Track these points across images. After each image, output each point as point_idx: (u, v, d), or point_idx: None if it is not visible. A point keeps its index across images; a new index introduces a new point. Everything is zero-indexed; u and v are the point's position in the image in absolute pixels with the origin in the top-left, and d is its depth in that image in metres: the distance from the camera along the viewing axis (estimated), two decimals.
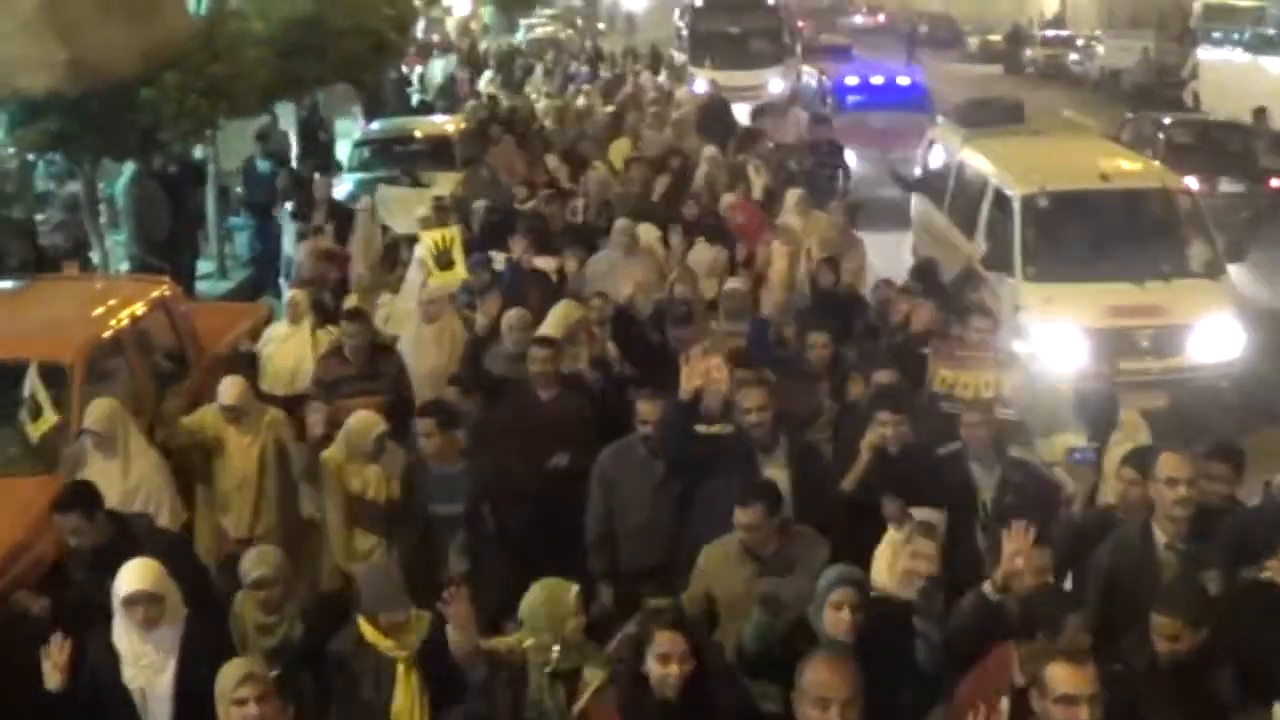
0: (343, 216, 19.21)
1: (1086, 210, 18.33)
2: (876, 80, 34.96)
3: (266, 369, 14.20)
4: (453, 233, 15.44)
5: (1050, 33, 68.33)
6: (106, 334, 13.14)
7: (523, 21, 69.44)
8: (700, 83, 40.02)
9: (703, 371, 10.63)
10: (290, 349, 14.27)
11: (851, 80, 35.00)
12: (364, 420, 11.14)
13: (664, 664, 7.48)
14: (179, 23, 18.35)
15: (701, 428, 10.80)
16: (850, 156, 26.63)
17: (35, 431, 11.39)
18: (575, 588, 8.19)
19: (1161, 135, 28.32)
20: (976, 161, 20.21)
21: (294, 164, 25.36)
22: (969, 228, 19.44)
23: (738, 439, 10.54)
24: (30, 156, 17.91)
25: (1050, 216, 17.91)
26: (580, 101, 33.71)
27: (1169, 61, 51.05)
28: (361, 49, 27.47)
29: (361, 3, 27.38)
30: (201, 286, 22.07)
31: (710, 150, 23.36)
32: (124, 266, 20.01)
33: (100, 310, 13.66)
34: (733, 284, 14.61)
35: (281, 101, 25.97)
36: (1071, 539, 9.32)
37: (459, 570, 10.09)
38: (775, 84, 43.77)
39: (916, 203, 23.22)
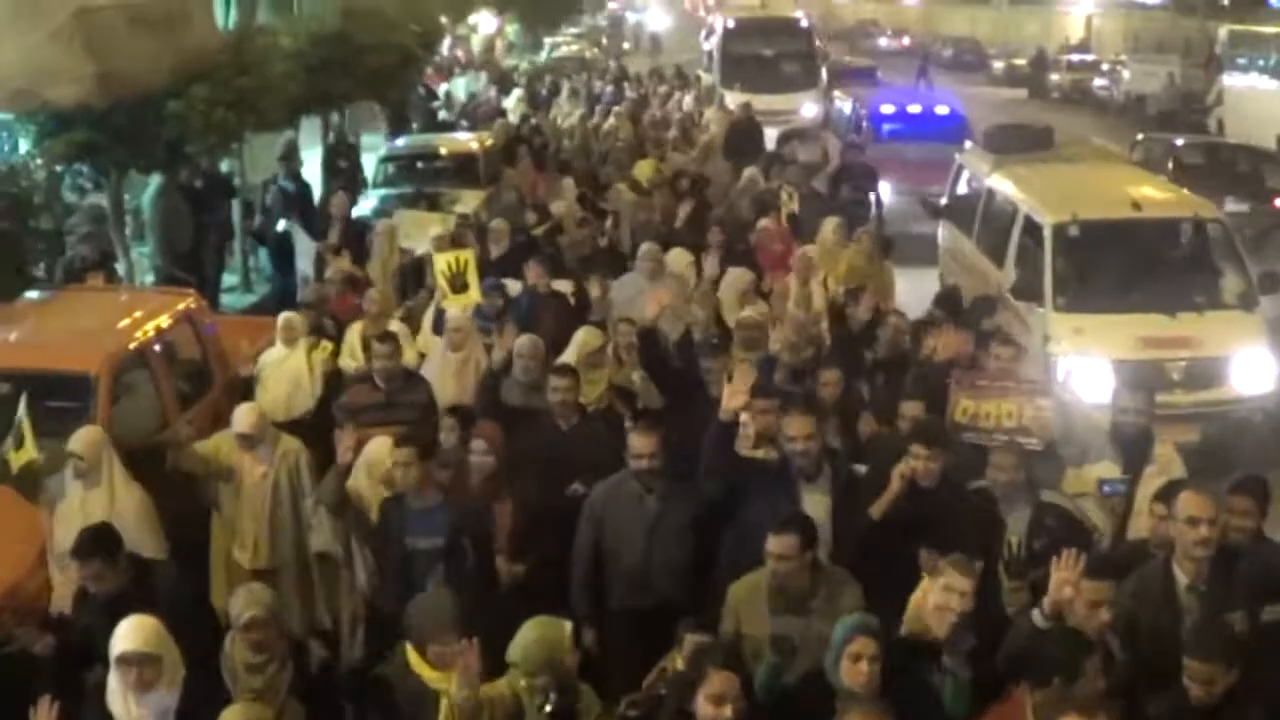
0: (358, 236, 19.29)
1: (1118, 239, 17.85)
2: (914, 109, 33.49)
3: (261, 394, 13.77)
4: (467, 255, 15.14)
5: (1075, 57, 68.25)
6: (132, 345, 13.15)
7: (548, 40, 69.59)
8: (730, 104, 38.85)
9: (746, 392, 10.30)
10: (285, 373, 14.01)
11: (887, 109, 33.25)
12: (382, 447, 10.83)
13: (717, 705, 7.35)
14: (207, 36, 18.42)
15: (744, 451, 10.47)
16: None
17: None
18: (568, 626, 8.22)
19: (1172, 156, 29.33)
20: (1006, 188, 19.72)
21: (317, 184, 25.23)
22: (998, 256, 18.95)
23: (780, 466, 10.22)
24: (57, 167, 17.93)
25: (1081, 246, 17.42)
26: (609, 122, 33.04)
27: (1194, 88, 51.06)
28: (387, 65, 27.50)
29: (388, 19, 27.43)
30: (226, 300, 22.11)
31: (750, 172, 23.30)
32: (149, 279, 20.07)
33: (126, 322, 13.71)
34: (747, 313, 14.33)
35: (308, 116, 25.99)
36: (1098, 574, 8.81)
37: None
38: (808, 108, 43.44)
39: (944, 229, 22.71)
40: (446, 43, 47.24)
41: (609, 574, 10.31)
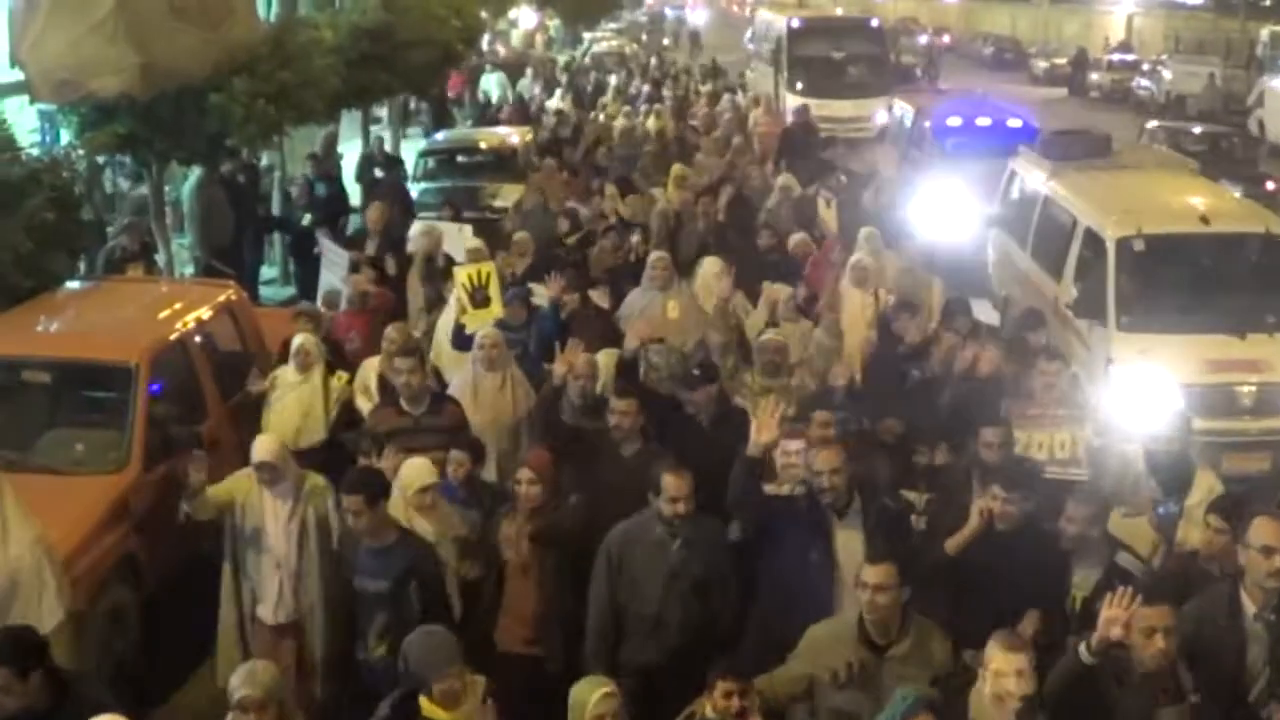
0: (396, 245, 18.46)
1: (1186, 255, 17.01)
2: (983, 122, 30.01)
3: (269, 419, 13.00)
4: (489, 268, 14.44)
5: (1116, 57, 67.98)
6: (172, 337, 13.25)
7: (587, 35, 69.54)
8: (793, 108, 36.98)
9: (776, 426, 9.71)
10: (298, 399, 13.09)
11: (953, 121, 29.86)
12: (414, 469, 10.26)
13: None
14: (249, 29, 18.43)
15: (770, 488, 10.22)
16: (947, 209, 23.66)
17: (474, 321, 13.57)
18: (607, 688, 7.83)
19: (1174, 142, 32.13)
20: (1064, 198, 18.77)
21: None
22: (1055, 268, 18.09)
23: (809, 501, 9.71)
24: (99, 159, 17.99)
25: (1147, 261, 16.51)
26: (651, 123, 31.93)
27: (1235, 88, 50.88)
28: (429, 60, 27.54)
29: (429, 14, 27.44)
30: (265, 292, 22.18)
31: (784, 180, 22.23)
32: (188, 270, 20.15)
33: (166, 313, 13.80)
34: (769, 336, 13.18)
35: (348, 110, 26.06)
36: (1156, 599, 8.24)
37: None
38: (880, 115, 38.62)
39: (995, 238, 21.64)
40: (486, 38, 47.06)
41: (624, 625, 9.60)
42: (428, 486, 10.14)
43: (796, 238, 18.29)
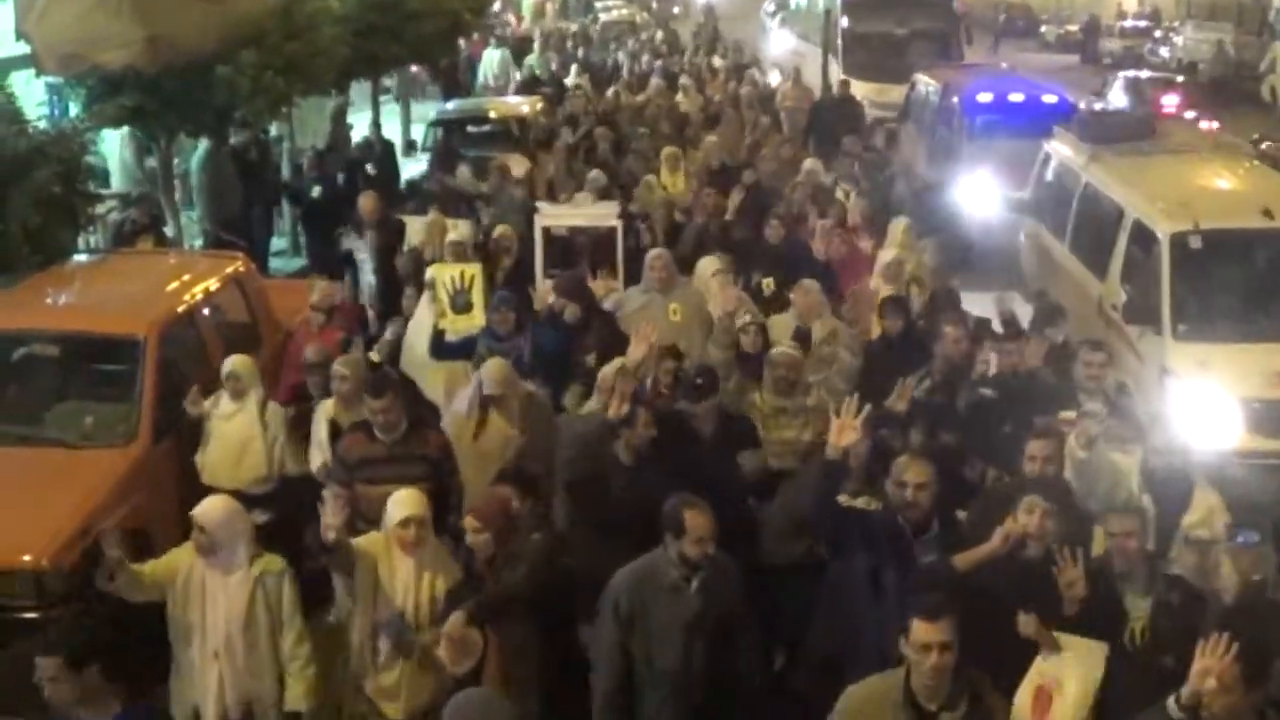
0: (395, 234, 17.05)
1: (1249, 254, 15.53)
2: (1016, 98, 27.31)
3: (206, 456, 11.82)
4: (473, 270, 13.31)
5: (1128, 23, 67.75)
6: (181, 309, 13.24)
7: (598, 4, 69.29)
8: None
9: (855, 427, 8.76)
10: (235, 433, 11.77)
11: (984, 97, 27.06)
12: (401, 498, 9.15)
13: None
14: (256, 1, 18.41)
15: (843, 498, 9.35)
16: (980, 192, 22.80)
17: (454, 325, 12.87)
18: None
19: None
20: (1107, 186, 17.16)
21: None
22: (1098, 265, 16.58)
23: (887, 518, 8.89)
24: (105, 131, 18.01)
25: (1205, 261, 15.01)
26: (681, 100, 30.04)
27: (1247, 55, 50.68)
28: (437, 30, 27.48)
29: None
30: (275, 263, 22.17)
31: (810, 163, 20.47)
32: (197, 243, 20.15)
33: (175, 285, 13.80)
34: (784, 350, 11.62)
35: (357, 82, 26.03)
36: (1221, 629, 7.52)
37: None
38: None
39: (1028, 226, 20.19)
40: (496, 6, 46.82)
41: (638, 684, 8.56)
42: (410, 519, 8.94)
43: (824, 225, 16.38)
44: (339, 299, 14.29)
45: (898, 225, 16.27)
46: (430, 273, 13.76)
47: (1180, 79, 45.17)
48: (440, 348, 13.05)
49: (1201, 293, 15.06)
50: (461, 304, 13.07)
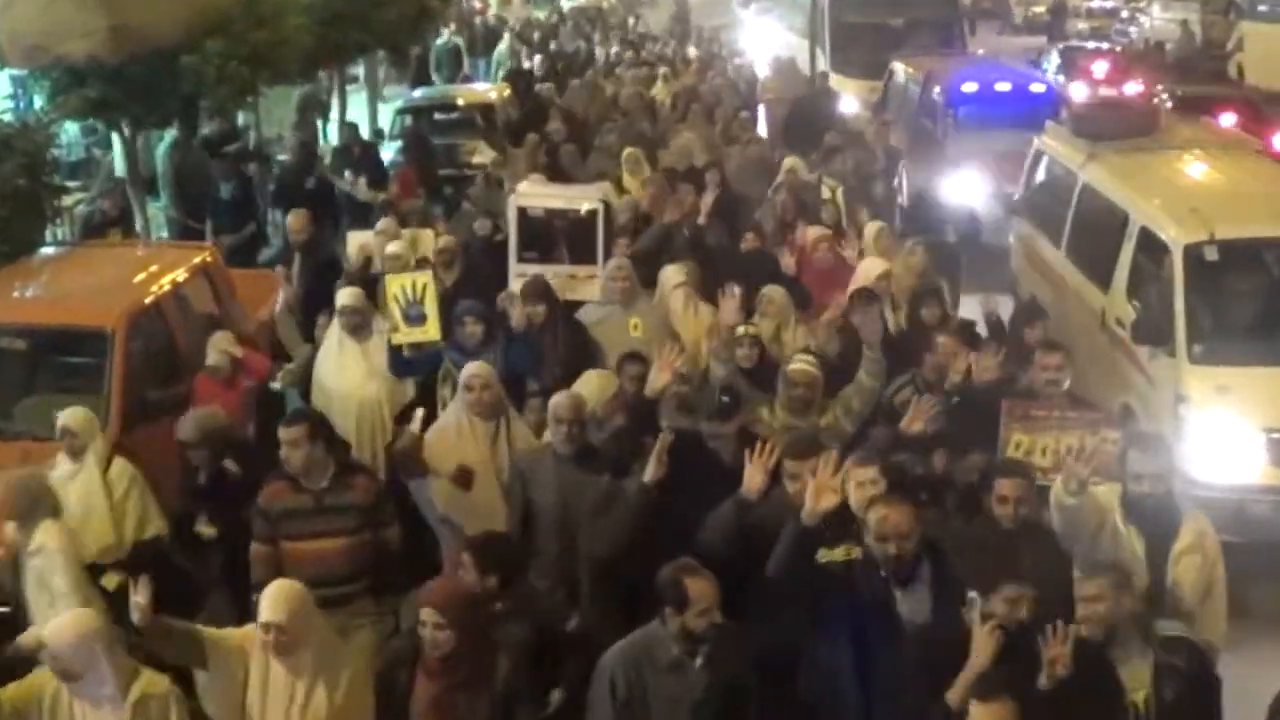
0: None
1: (1271, 267, 14.01)
2: (1002, 87, 25.73)
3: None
4: (425, 279, 12.19)
5: (1095, 4, 67.84)
6: (149, 300, 13.19)
7: None
8: (849, 99, 30.11)
9: (835, 488, 8.06)
10: (74, 495, 10.22)
11: (969, 87, 25.43)
12: (265, 599, 7.57)
13: None
14: None
15: (822, 552, 8.28)
16: (967, 189, 21.48)
17: (407, 338, 11.90)
18: None
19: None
20: (1109, 188, 15.63)
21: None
22: (1099, 275, 15.10)
23: (865, 568, 8.05)
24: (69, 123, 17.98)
25: (1223, 274, 13.56)
26: (659, 90, 28.76)
27: (1214, 34, 50.82)
28: (404, 17, 27.42)
29: None
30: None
31: (790, 162, 18.92)
32: (163, 234, 20.07)
33: (142, 276, 13.76)
34: (803, 366, 10.54)
35: (324, 70, 25.96)
36: None
37: None
38: None
39: (1019, 228, 18.69)
40: None
41: None
42: (271, 625, 7.46)
43: (813, 233, 15.24)
44: (241, 351, 12.60)
45: (872, 228, 15.20)
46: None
47: (1112, 48, 48.23)
48: (399, 364, 12.06)
49: (1219, 310, 13.58)
50: (415, 316, 12.02)
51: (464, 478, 9.98)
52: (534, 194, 15.26)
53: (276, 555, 9.10)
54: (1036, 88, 26.22)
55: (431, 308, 11.99)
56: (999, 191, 20.36)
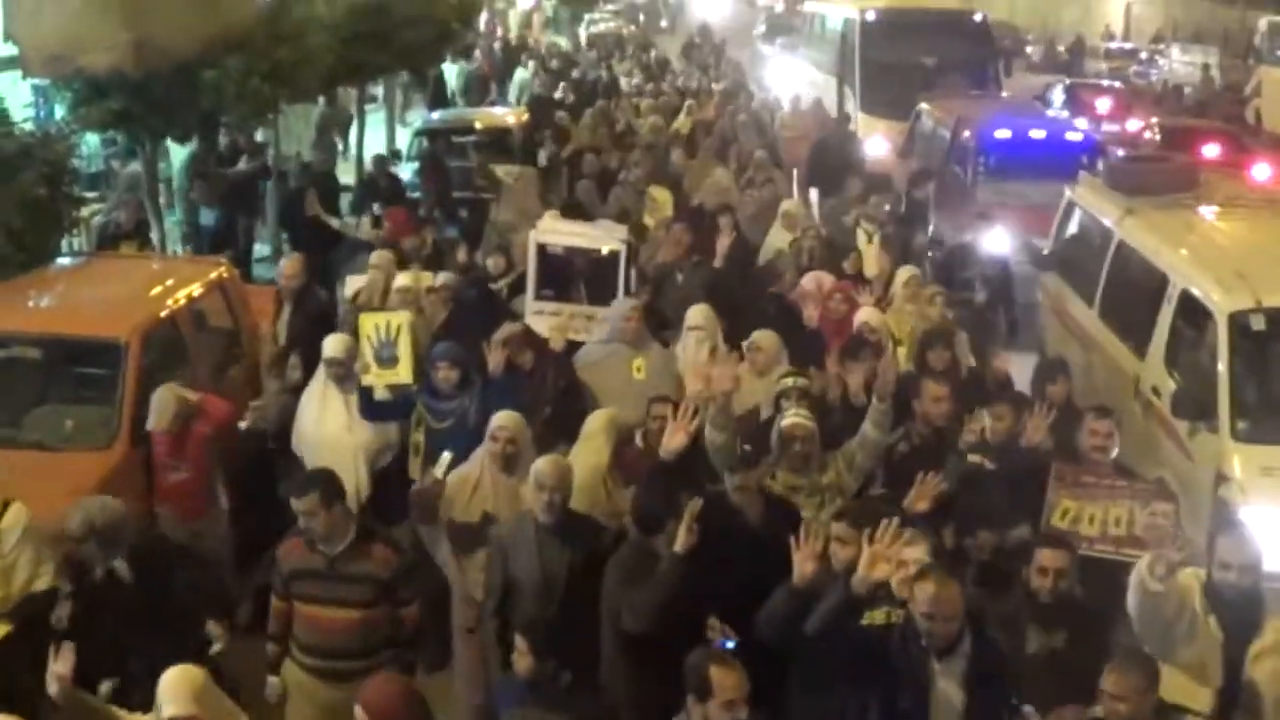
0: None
1: None
2: (1036, 134, 24.37)
3: None
4: (400, 320, 11.73)
5: (1114, 45, 68.03)
6: (163, 313, 13.20)
7: (586, 16, 69.35)
8: (879, 140, 29.68)
9: (887, 558, 7.72)
10: None
11: (1002, 133, 23.97)
12: (165, 688, 7.03)
13: None
14: (243, 6, 18.39)
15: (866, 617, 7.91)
16: (999, 241, 19.31)
17: (381, 379, 11.43)
18: None
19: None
20: (1147, 247, 14.56)
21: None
22: (1135, 339, 14.10)
23: (905, 633, 7.62)
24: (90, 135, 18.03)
25: (1271, 344, 12.61)
26: (681, 122, 27.99)
27: (1233, 78, 50.94)
28: (425, 39, 27.48)
29: None
30: (259, 270, 22.13)
31: (788, 206, 17.86)
32: (177, 248, 20.14)
33: (158, 289, 13.77)
34: (797, 420, 9.90)
35: (344, 88, 26.03)
36: None
37: None
38: None
39: (1048, 283, 17.53)
40: (484, 17, 46.79)
41: None
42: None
43: (811, 281, 14.31)
44: (194, 396, 11.63)
45: (903, 274, 14.41)
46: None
47: (1116, 84, 48.43)
48: (370, 408, 11.52)
49: (1266, 383, 12.63)
50: (387, 356, 11.52)
51: (462, 534, 9.73)
52: (555, 231, 14.65)
53: (287, 611, 8.85)
54: (1073, 135, 24.87)
55: (405, 349, 11.53)
56: (1031, 245, 18.98)
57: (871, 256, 15.93)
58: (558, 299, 13.89)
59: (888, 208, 18.84)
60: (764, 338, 12.13)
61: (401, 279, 13.97)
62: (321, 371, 11.82)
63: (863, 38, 34.36)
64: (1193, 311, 13.15)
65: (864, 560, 7.68)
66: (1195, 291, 13.13)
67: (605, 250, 14.14)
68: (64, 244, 16.52)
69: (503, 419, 9.83)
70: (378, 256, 14.85)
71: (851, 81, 34.30)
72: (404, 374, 11.48)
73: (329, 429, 11.61)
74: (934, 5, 38.52)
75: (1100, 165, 18.89)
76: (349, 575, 8.62)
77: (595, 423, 10.49)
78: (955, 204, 22.38)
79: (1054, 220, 18.13)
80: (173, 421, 11.15)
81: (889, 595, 7.79)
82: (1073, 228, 17.47)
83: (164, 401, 11.16)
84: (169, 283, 13.99)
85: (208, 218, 19.00)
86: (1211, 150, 30.99)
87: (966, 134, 24.56)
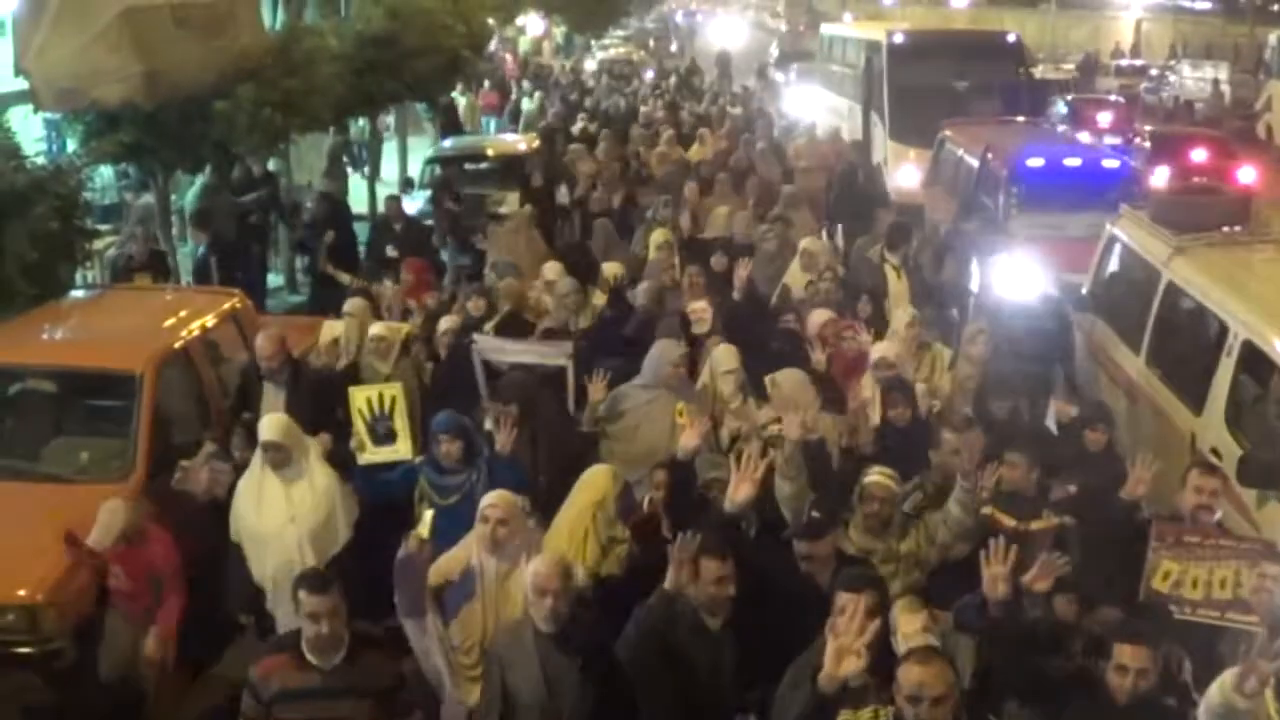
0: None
1: None
2: (1071, 162, 22.88)
3: None
4: (394, 391, 10.89)
5: (1124, 62, 68.10)
6: (177, 345, 13.20)
7: (595, 43, 69.48)
8: (910, 169, 28.84)
9: (860, 651, 6.88)
10: None
11: (1035, 162, 22.38)
12: None
13: None
14: (254, 38, 18.46)
15: (844, 715, 7.12)
16: (1032, 276, 17.89)
17: (376, 458, 10.64)
18: None
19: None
20: (1201, 289, 13.12)
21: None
22: (1189, 393, 12.64)
23: None
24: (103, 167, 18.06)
25: None
26: (695, 151, 27.16)
27: (1242, 94, 50.97)
28: (435, 67, 27.54)
29: (435, 22, 27.42)
30: (271, 301, 22.16)
31: (808, 243, 16.54)
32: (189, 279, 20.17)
33: (171, 321, 13.78)
34: (879, 479, 9.29)
35: (354, 118, 26.09)
36: None
37: None
38: None
39: (1086, 324, 15.91)
40: (494, 44, 46.88)
41: None
42: None
43: (819, 318, 13.57)
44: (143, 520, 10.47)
45: (903, 317, 13.56)
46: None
47: (1118, 99, 48.69)
48: (368, 487, 10.76)
49: None
50: (383, 432, 10.72)
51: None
52: (501, 350, 13.06)
53: None
54: (1109, 163, 23.30)
55: (402, 422, 10.76)
56: (1067, 281, 17.15)
57: (902, 292, 15.43)
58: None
59: (916, 242, 17.75)
60: (785, 377, 11.57)
61: (376, 329, 13.37)
62: (258, 457, 10.66)
63: (890, 62, 32.63)
64: (1258, 364, 11.78)
65: (829, 654, 6.85)
66: (1260, 342, 11.67)
67: (552, 365, 12.65)
68: (78, 276, 16.51)
69: (493, 497, 8.95)
70: (352, 304, 14.32)
71: (879, 108, 32.75)
72: (403, 449, 10.73)
73: (270, 521, 10.50)
74: (959, 27, 37.37)
75: (1146, 199, 17.31)
76: (347, 690, 7.71)
77: (595, 475, 9.78)
78: (986, 238, 20.77)
79: (1092, 255, 16.74)
80: (115, 542, 10.12)
81: (877, 691, 6.95)
82: (1114, 265, 16.05)
83: (110, 520, 10.14)
84: (182, 314, 14.02)
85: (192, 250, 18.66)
86: (1199, 155, 32.74)
87: (996, 162, 22.89)
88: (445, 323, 14.04)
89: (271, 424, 10.61)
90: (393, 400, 10.75)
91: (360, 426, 10.73)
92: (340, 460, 10.93)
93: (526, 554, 8.59)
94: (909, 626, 7.47)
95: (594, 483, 9.58)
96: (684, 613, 7.94)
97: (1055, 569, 8.22)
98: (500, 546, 8.76)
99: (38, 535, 10.66)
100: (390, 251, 19.68)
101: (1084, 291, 16.41)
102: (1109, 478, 10.14)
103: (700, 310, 13.68)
